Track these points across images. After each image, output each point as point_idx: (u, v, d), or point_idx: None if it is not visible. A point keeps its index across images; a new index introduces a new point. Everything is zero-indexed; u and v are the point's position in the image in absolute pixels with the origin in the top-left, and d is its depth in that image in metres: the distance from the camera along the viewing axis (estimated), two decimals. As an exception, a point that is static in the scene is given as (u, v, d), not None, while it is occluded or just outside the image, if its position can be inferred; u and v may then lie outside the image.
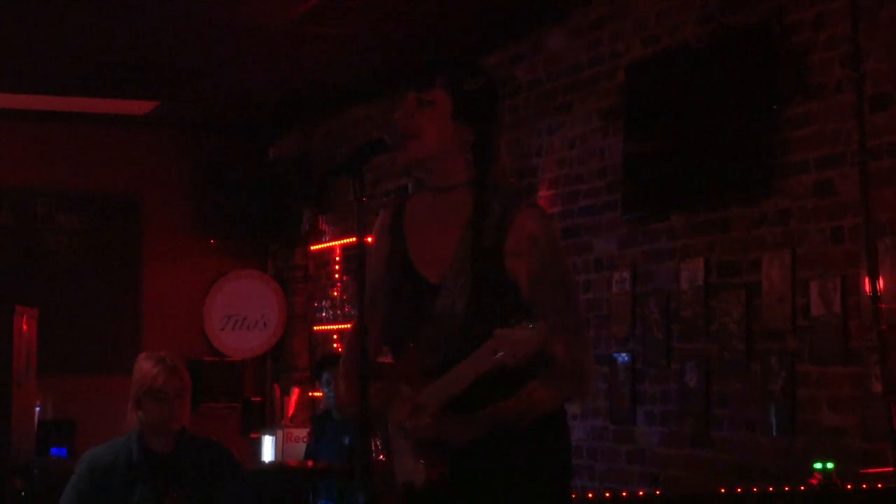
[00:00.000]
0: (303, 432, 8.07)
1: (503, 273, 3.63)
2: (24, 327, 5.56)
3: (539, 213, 3.74)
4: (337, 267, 9.82)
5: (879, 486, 5.24)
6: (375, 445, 3.80)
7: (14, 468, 5.37)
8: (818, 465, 5.34)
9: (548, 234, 3.70)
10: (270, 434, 8.54)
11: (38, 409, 7.11)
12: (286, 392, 9.73)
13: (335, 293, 9.68)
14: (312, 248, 10.35)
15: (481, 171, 3.81)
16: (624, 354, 6.97)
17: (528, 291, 3.60)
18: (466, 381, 3.51)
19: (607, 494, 5.06)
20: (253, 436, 9.01)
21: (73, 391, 8.77)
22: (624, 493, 5.13)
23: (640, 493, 5.17)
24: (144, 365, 4.59)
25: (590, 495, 4.93)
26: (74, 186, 10.71)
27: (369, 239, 3.94)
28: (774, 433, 6.01)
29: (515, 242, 3.60)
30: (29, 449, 5.86)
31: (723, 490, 5.28)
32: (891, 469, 5.31)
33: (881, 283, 5.55)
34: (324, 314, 9.85)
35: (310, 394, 9.42)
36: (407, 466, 3.70)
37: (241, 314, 10.55)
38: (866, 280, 5.62)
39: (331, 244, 9.94)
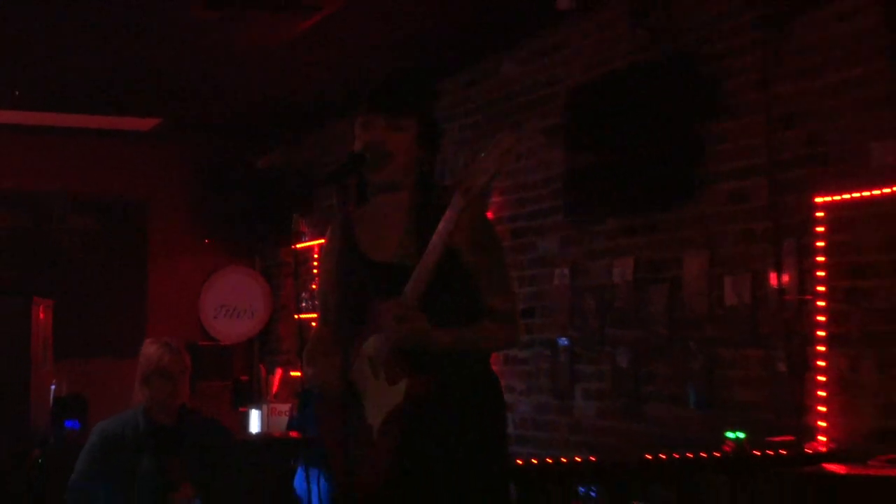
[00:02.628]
0: (285, 407, 8.09)
1: (450, 248, 3.61)
2: (42, 316, 5.56)
3: (473, 168, 3.69)
4: (315, 263, 9.85)
5: (783, 452, 5.29)
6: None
7: (33, 438, 5.37)
8: (731, 435, 5.40)
9: (482, 215, 3.76)
10: (257, 408, 8.53)
11: (53, 387, 7.09)
12: (271, 372, 9.73)
13: (314, 286, 9.69)
14: (296, 247, 10.35)
15: (426, 175, 3.87)
16: (564, 339, 7.00)
17: (468, 258, 3.64)
18: (435, 255, 3.55)
19: (549, 460, 5.08)
20: (242, 410, 8.98)
21: (85, 371, 8.75)
22: (563, 460, 5.15)
23: (578, 459, 5.19)
24: (151, 348, 4.61)
25: (534, 461, 4.96)
26: (87, 192, 10.68)
27: (323, 240, 3.99)
28: (693, 407, 6.06)
29: (456, 219, 3.63)
30: (46, 422, 5.86)
31: (649, 456, 5.29)
32: (792, 438, 5.36)
33: (785, 278, 5.60)
34: (304, 304, 9.86)
35: (291, 373, 9.43)
36: (379, 399, 3.65)
37: (232, 304, 10.57)
38: (773, 275, 5.67)
39: (311, 244, 9.95)
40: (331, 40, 7.28)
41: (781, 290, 5.63)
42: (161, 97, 9.07)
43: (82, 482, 4.49)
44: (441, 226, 3.54)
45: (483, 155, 3.53)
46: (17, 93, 8.80)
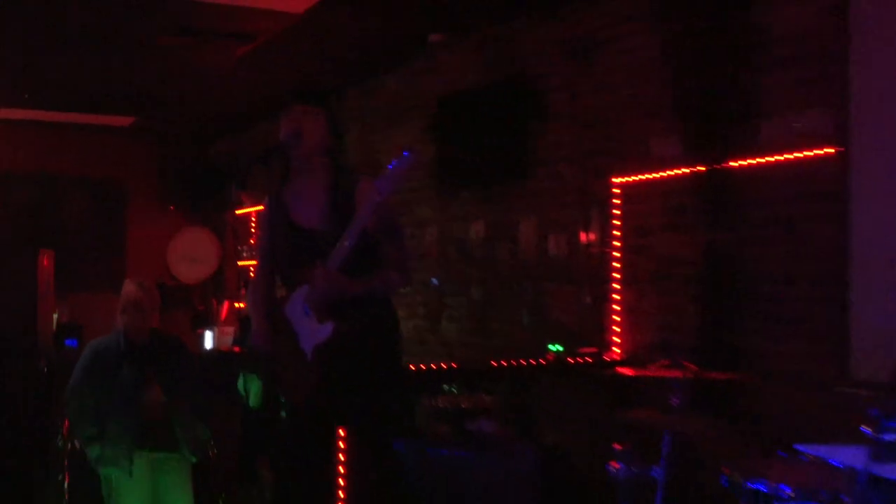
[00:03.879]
0: (230, 329, 8.02)
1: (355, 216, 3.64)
2: (45, 263, 5.45)
3: (381, 177, 3.70)
4: (253, 224, 9.80)
5: (589, 359, 5.37)
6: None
7: (40, 354, 5.26)
8: (552, 347, 5.47)
9: (387, 205, 3.74)
10: (210, 330, 8.45)
11: (55, 315, 6.95)
12: (220, 304, 9.67)
13: (252, 241, 9.64)
14: (238, 212, 10.26)
15: (336, 157, 3.87)
16: (434, 279, 7.02)
17: (370, 223, 3.64)
18: (352, 238, 3.57)
19: (421, 367, 5.12)
20: (199, 332, 8.88)
21: (80, 303, 8.58)
22: (433, 366, 5.19)
23: (444, 365, 5.23)
24: (128, 286, 4.54)
25: (412, 367, 4.99)
26: (80, 173, 10.51)
27: (262, 207, 3.99)
28: (526, 328, 6.13)
29: (360, 196, 3.65)
30: (49, 341, 5.75)
31: (494, 363, 5.35)
32: (595, 349, 5.44)
33: (592, 236, 5.67)
34: (244, 254, 9.81)
35: (235, 305, 9.37)
36: (310, 333, 3.68)
37: (191, 254, 10.42)
38: (583, 234, 5.74)
39: (248, 210, 9.87)
40: (261, 63, 7.21)
41: (589, 245, 5.71)
42: (137, 101, 8.91)
43: (78, 386, 4.42)
44: (359, 214, 3.58)
45: (391, 167, 3.55)
46: (26, 96, 8.65)
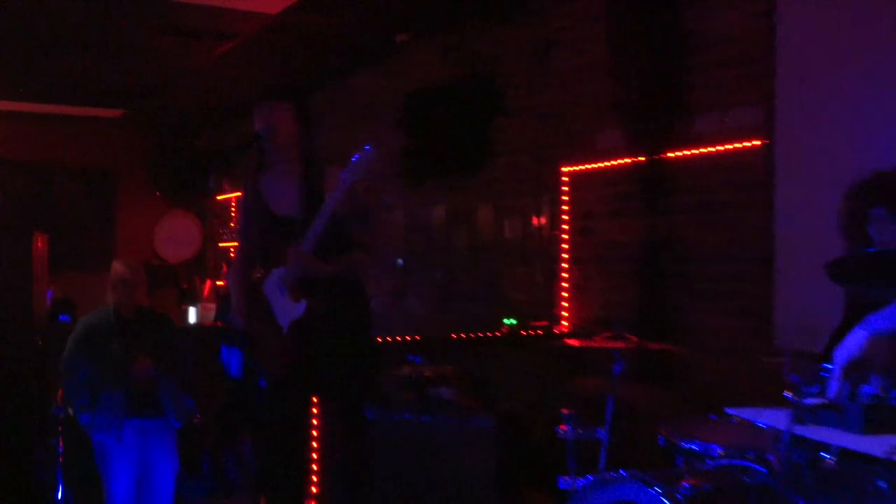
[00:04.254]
0: (212, 306, 7.95)
1: (324, 203, 3.63)
2: (40, 244, 5.34)
3: (346, 168, 3.69)
4: (232, 209, 9.74)
5: (540, 332, 5.41)
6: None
7: (35, 328, 5.18)
8: (507, 321, 5.49)
9: (353, 191, 3.72)
10: (194, 306, 8.37)
11: (50, 293, 6.85)
12: (203, 282, 9.62)
13: (231, 224, 9.58)
14: (219, 198, 10.18)
15: (307, 149, 3.84)
16: (400, 259, 7.01)
17: (341, 209, 3.62)
18: (325, 220, 3.54)
19: (387, 339, 5.11)
20: (184, 307, 8.81)
21: (73, 282, 8.44)
22: (399, 338, 5.18)
23: (408, 338, 5.22)
24: (117, 265, 4.46)
25: (379, 340, 4.98)
26: (73, 161, 10.34)
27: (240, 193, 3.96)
28: (483, 303, 6.13)
29: (330, 185, 3.63)
30: (45, 317, 5.65)
31: (454, 335, 5.36)
32: (546, 322, 5.47)
33: (543, 220, 5.70)
34: (224, 237, 9.75)
35: (217, 283, 9.30)
36: (285, 310, 3.68)
37: (176, 236, 10.31)
38: (535, 218, 5.76)
39: (228, 196, 9.81)
40: (240, 60, 7.14)
41: (540, 229, 5.73)
42: (127, 95, 8.81)
43: (71, 358, 4.35)
44: (328, 201, 3.56)
45: (354, 160, 3.52)
46: (20, 90, 8.58)
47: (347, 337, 3.76)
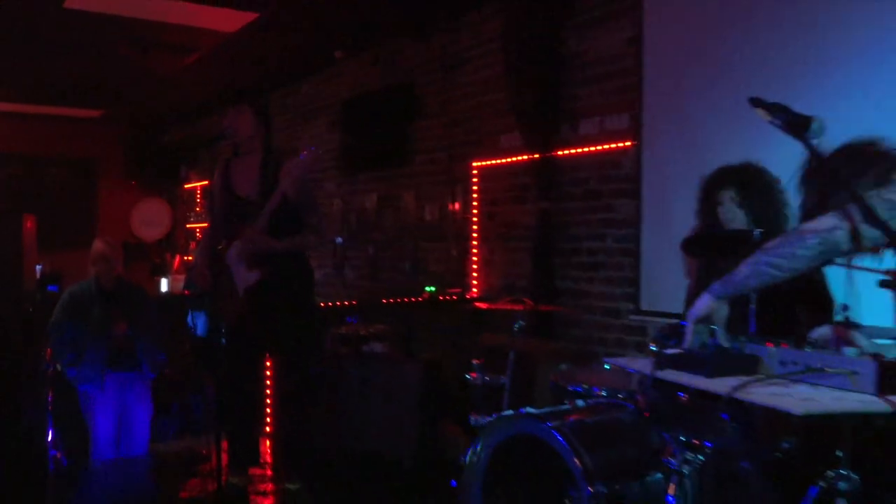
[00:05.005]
0: (181, 277, 7.75)
1: (282, 198, 3.58)
2: (29, 225, 5.14)
3: (295, 161, 3.66)
4: (198, 196, 9.49)
5: (454, 297, 5.43)
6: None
7: (26, 298, 4.99)
8: (428, 288, 5.50)
9: (303, 181, 3.68)
10: (165, 278, 8.15)
11: (39, 267, 6.59)
12: (173, 257, 9.39)
13: (197, 209, 9.34)
14: (186, 186, 9.92)
15: (266, 143, 3.78)
16: (339, 238, 6.93)
17: (292, 196, 3.57)
18: (275, 204, 3.50)
19: (329, 304, 5.07)
20: (156, 279, 8.57)
21: (60, 257, 8.13)
22: (338, 303, 5.15)
23: (346, 303, 5.19)
24: (97, 243, 4.32)
25: (322, 304, 4.94)
26: (59, 154, 10.00)
27: (209, 182, 3.86)
28: (408, 274, 6.13)
29: (285, 173, 3.58)
30: (34, 287, 5.45)
31: (384, 300, 5.35)
32: (459, 290, 5.50)
33: (457, 206, 5.70)
34: (192, 219, 9.51)
35: (185, 258, 9.07)
36: (243, 277, 3.64)
37: (149, 219, 10.04)
38: (450, 204, 5.76)
39: (195, 184, 9.55)
40: (203, 70, 6.95)
41: (454, 212, 5.73)
42: (105, 97, 8.51)
43: (58, 322, 4.20)
44: (280, 186, 3.53)
45: (301, 157, 3.50)
46: (13, 93, 8.19)
47: (295, 301, 3.74)
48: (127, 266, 4.51)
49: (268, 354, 4.41)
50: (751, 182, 2.79)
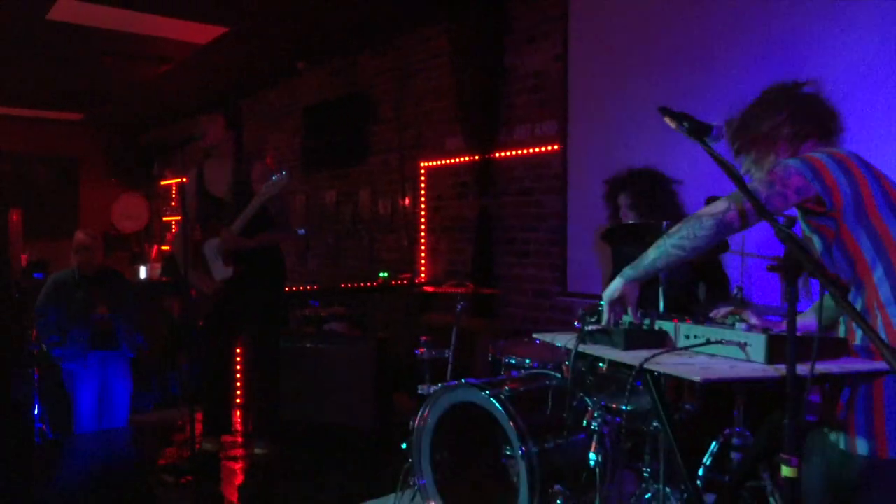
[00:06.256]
0: (158, 265, 7.51)
1: (252, 191, 3.51)
2: (15, 218, 4.93)
3: (264, 164, 3.61)
4: (173, 192, 9.26)
5: (405, 282, 5.41)
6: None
7: (12, 284, 4.80)
8: (382, 274, 5.48)
9: (278, 194, 3.62)
10: (143, 266, 7.93)
11: (26, 256, 6.34)
12: (150, 247, 9.14)
13: (173, 203, 9.10)
14: (162, 183, 9.67)
15: (237, 147, 3.70)
16: (302, 230, 6.86)
17: (270, 207, 3.53)
18: (250, 214, 3.43)
19: (294, 288, 5.00)
20: (135, 267, 8.33)
21: (46, 247, 7.85)
22: (301, 288, 5.08)
23: (309, 287, 5.13)
24: (79, 234, 4.18)
25: (287, 289, 4.88)
26: (45, 153, 9.63)
27: (185, 179, 3.75)
28: (365, 261, 6.07)
29: (256, 174, 3.52)
30: (20, 275, 5.23)
31: (343, 285, 5.31)
32: (409, 275, 5.48)
33: (407, 201, 5.67)
34: (167, 212, 9.28)
35: (161, 248, 8.84)
36: (219, 270, 3.58)
37: (129, 212, 9.76)
38: (401, 200, 5.73)
39: (170, 181, 9.32)
40: (177, 78, 6.77)
41: (405, 207, 5.70)
42: (86, 101, 8.22)
43: (43, 306, 4.05)
44: (258, 195, 3.46)
45: (275, 179, 3.42)
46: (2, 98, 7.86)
47: (264, 288, 3.68)
48: (108, 255, 4.38)
49: (238, 335, 4.34)
50: (640, 187, 2.86)
